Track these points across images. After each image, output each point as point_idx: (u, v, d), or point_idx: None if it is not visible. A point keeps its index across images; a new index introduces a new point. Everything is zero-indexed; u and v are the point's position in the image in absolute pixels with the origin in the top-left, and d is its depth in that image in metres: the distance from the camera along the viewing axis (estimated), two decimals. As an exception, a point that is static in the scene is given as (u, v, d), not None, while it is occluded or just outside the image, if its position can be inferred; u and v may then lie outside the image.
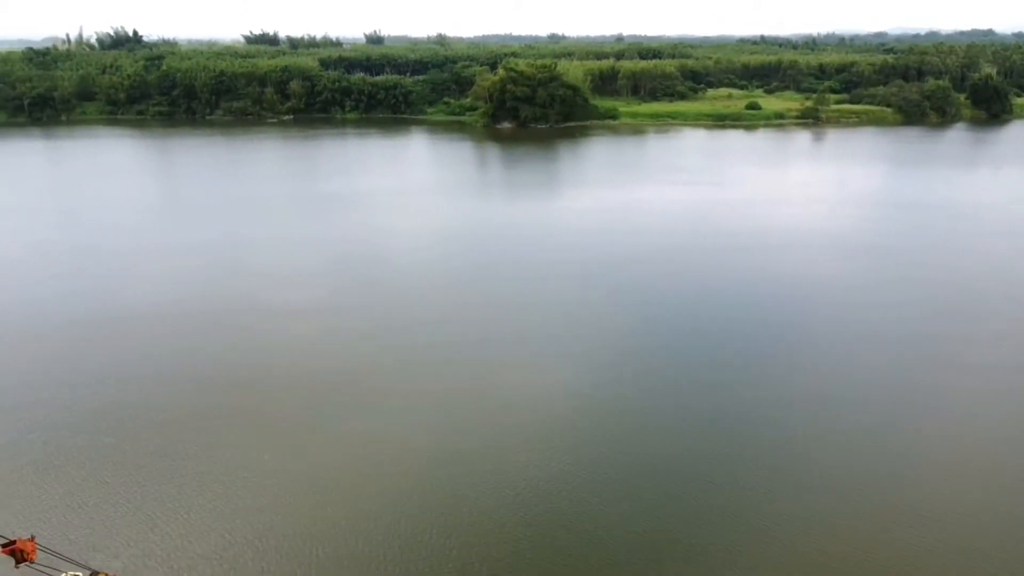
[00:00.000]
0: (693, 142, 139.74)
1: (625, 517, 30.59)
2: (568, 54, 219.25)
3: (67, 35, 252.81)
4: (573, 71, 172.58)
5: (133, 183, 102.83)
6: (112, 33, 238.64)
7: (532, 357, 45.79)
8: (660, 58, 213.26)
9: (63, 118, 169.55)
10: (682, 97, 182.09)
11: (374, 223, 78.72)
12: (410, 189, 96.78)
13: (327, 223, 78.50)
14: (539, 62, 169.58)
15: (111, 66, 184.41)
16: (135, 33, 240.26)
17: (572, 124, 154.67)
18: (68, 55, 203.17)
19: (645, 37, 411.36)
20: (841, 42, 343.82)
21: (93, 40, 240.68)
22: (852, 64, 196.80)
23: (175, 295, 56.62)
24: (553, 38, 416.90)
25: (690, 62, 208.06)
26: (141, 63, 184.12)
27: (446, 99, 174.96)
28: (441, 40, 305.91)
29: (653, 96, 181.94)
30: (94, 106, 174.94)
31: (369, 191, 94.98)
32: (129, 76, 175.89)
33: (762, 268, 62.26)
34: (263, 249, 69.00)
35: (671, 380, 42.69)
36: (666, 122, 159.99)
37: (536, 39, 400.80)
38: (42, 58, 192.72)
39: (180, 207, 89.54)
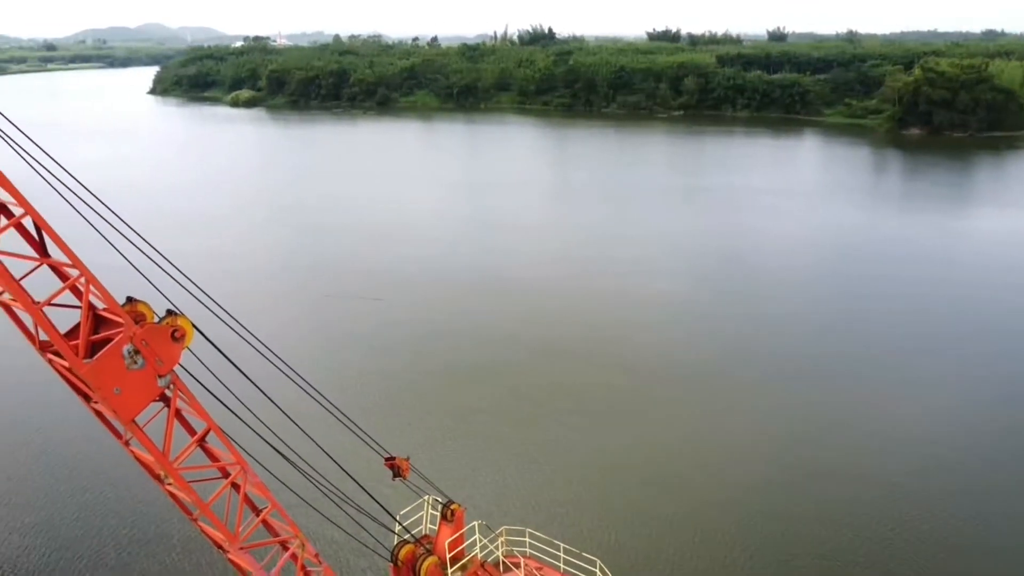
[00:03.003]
0: None
1: None
2: (1005, 53, 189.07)
3: (495, 32, 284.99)
4: (1009, 72, 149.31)
5: (531, 165, 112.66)
6: (531, 30, 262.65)
7: (894, 388, 40.89)
8: None
9: (482, 106, 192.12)
10: None
11: (738, 221, 76.21)
12: (786, 191, 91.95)
13: (693, 217, 78.34)
14: (966, 62, 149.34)
15: (526, 60, 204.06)
16: (550, 30, 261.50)
17: (998, 134, 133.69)
18: (492, 50, 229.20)
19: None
20: None
21: (515, 37, 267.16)
22: None
23: (544, 272, 61.09)
24: (988, 35, 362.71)
25: None
26: (551, 58, 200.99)
27: (848, 100, 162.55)
28: (851, 37, 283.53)
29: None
30: (507, 96, 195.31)
31: (743, 189, 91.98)
32: (540, 70, 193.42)
33: None
34: (631, 235, 70.90)
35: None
36: None
37: (967, 36, 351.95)
38: (472, 52, 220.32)
39: (567, 190, 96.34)
